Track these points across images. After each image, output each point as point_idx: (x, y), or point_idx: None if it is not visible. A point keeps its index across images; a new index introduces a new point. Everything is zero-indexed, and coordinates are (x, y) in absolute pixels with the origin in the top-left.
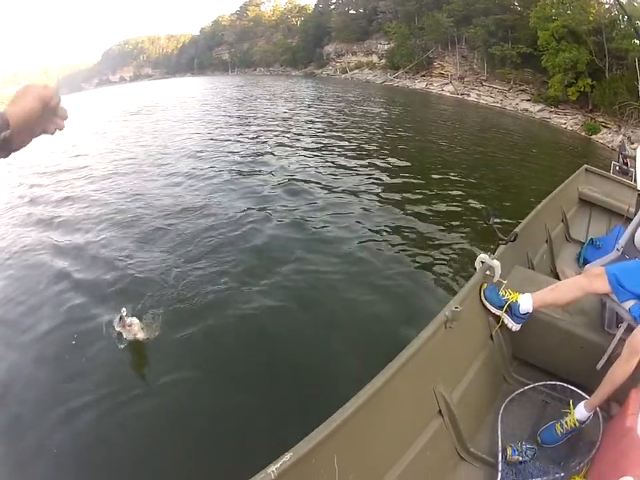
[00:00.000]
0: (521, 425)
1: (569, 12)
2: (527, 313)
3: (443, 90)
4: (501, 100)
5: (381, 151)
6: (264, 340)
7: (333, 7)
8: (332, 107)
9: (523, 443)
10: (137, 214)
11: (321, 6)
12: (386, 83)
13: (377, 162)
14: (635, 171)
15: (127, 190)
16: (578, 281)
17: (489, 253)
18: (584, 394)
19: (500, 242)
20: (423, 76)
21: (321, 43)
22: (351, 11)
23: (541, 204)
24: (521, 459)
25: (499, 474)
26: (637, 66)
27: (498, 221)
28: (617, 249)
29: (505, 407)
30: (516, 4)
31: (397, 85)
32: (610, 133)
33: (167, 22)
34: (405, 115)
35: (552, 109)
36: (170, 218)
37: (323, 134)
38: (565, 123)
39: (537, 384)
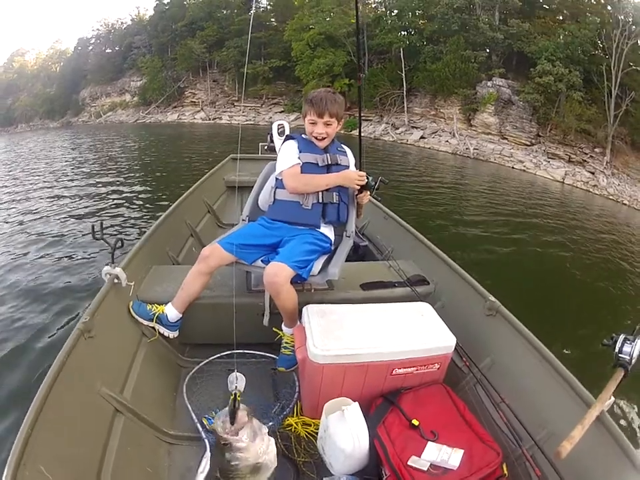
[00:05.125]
0: (212, 396)
1: (328, 19)
2: (178, 319)
3: (194, 118)
4: (254, 117)
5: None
6: None
7: (91, 47)
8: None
9: (216, 410)
10: None
11: (79, 48)
12: (139, 121)
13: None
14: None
15: None
16: (195, 269)
17: (113, 263)
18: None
19: (112, 248)
20: (175, 107)
21: (77, 88)
22: (108, 50)
23: (176, 201)
24: None
25: (206, 442)
26: (402, 56)
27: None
28: (243, 219)
29: (187, 387)
30: (272, 20)
31: (149, 121)
32: (372, 125)
33: None
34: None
35: None
36: None
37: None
38: None
39: (211, 358)
